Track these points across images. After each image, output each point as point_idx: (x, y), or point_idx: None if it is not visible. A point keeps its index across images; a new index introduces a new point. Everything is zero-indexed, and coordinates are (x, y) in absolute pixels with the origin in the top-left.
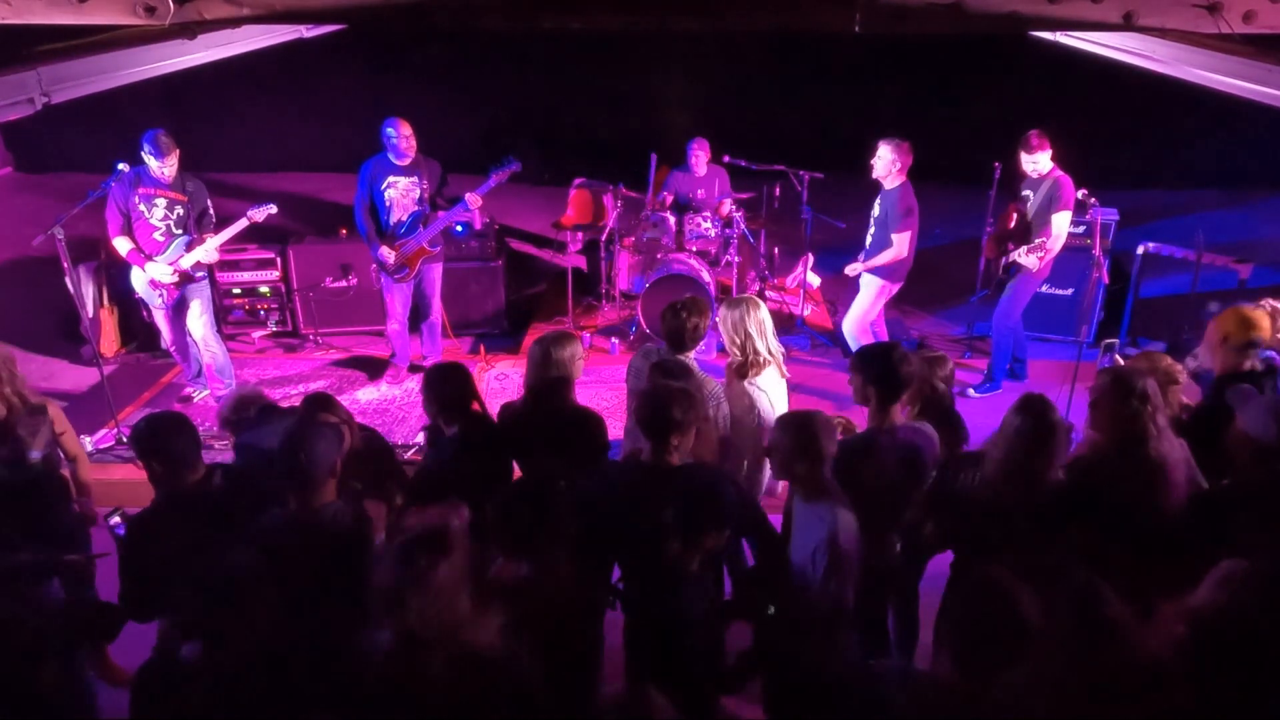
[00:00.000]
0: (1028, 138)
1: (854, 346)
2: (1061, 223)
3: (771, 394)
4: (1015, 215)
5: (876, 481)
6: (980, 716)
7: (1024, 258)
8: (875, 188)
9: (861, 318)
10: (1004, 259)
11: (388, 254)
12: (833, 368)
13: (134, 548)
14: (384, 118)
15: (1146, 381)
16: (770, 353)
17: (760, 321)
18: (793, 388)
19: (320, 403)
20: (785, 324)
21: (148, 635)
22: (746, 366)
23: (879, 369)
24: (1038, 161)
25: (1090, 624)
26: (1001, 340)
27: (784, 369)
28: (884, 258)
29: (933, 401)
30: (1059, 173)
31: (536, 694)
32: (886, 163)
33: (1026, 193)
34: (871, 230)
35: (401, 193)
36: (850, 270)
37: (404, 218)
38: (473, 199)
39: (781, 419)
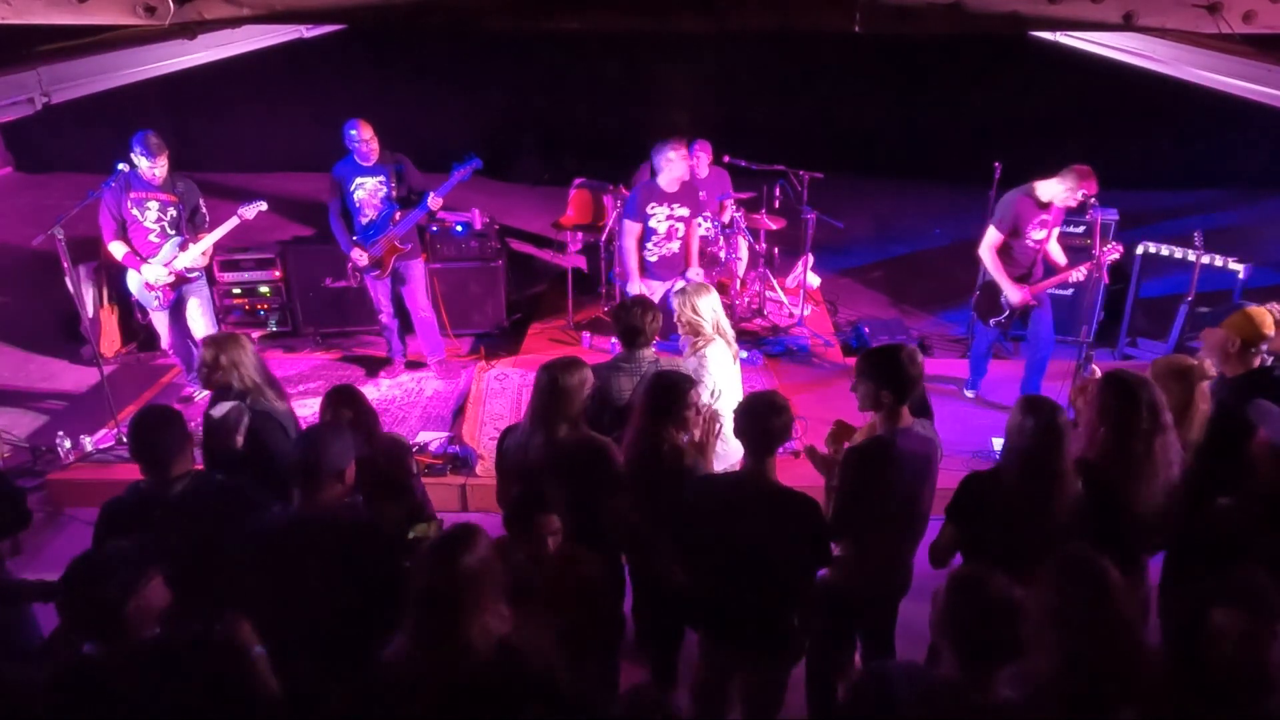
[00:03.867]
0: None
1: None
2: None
3: (719, 368)
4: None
5: (894, 489)
6: (988, 714)
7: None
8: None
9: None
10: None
11: (359, 255)
12: (830, 369)
13: (104, 530)
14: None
15: (1154, 393)
16: (719, 331)
17: (699, 304)
18: (793, 388)
19: (340, 398)
20: (785, 325)
21: None
22: (695, 344)
23: (892, 372)
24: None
25: (1088, 583)
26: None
27: (734, 346)
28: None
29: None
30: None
31: (560, 688)
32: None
33: (1045, 218)
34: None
35: (369, 192)
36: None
37: (375, 217)
38: (434, 200)
39: None
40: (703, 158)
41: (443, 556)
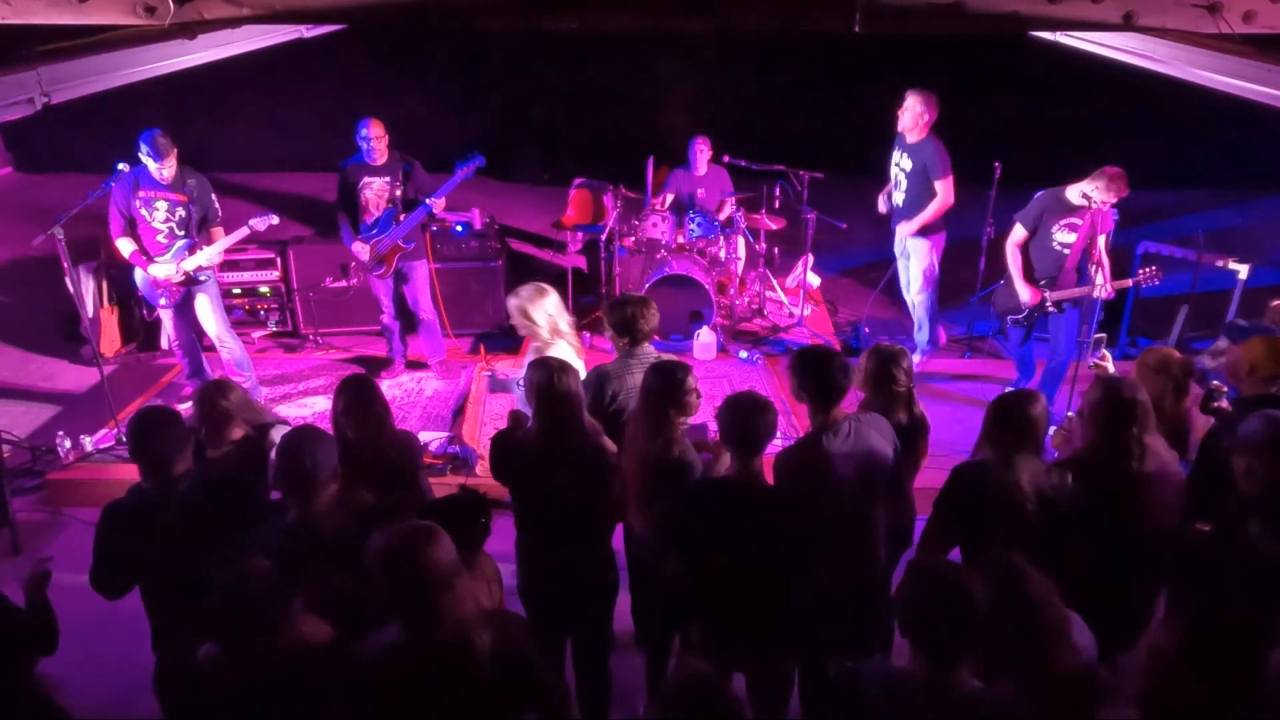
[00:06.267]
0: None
1: (926, 313)
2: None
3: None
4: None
5: (830, 484)
6: (953, 709)
7: (1105, 289)
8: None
9: (927, 277)
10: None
11: (360, 249)
12: None
13: (105, 533)
14: (384, 117)
15: (1139, 394)
16: (556, 333)
17: (532, 310)
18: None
19: (355, 387)
20: (785, 324)
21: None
22: (537, 348)
23: (816, 376)
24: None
25: (1015, 601)
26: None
27: (575, 342)
28: (933, 208)
29: (894, 396)
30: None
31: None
32: (915, 114)
33: (1074, 221)
34: (904, 186)
35: (376, 193)
36: (906, 232)
37: (379, 216)
38: (435, 202)
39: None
40: (703, 154)
41: (414, 548)
